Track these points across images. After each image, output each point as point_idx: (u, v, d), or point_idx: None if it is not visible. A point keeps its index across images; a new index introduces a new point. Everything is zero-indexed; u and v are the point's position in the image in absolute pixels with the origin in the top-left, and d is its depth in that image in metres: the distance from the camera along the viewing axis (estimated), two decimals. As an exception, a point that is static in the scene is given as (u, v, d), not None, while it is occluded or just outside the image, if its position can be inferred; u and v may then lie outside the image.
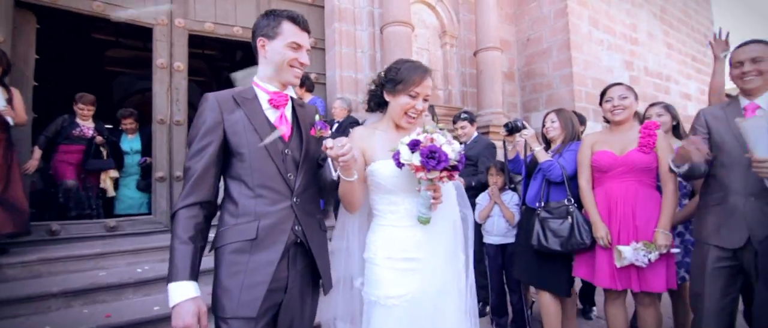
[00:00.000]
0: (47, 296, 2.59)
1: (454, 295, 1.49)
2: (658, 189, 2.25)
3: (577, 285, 2.90)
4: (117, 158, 4.25)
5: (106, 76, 8.69)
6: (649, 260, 2.06)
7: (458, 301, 1.50)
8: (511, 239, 2.89)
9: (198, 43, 6.99)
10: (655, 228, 2.13)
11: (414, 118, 1.49)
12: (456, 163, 1.32)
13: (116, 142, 4.39)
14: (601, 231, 2.23)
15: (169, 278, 1.12)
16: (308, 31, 1.36)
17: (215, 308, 1.20)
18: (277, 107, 1.31)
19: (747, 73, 1.81)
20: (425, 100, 1.49)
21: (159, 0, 4.10)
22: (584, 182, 2.38)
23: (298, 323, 1.32)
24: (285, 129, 1.32)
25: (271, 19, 1.31)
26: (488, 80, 5.45)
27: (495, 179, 2.95)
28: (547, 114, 2.72)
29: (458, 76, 5.77)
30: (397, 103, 1.48)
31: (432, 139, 1.29)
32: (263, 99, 1.31)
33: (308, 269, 1.34)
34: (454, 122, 3.73)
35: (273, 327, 1.27)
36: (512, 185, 3.06)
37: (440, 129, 1.33)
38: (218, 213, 1.30)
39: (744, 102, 1.88)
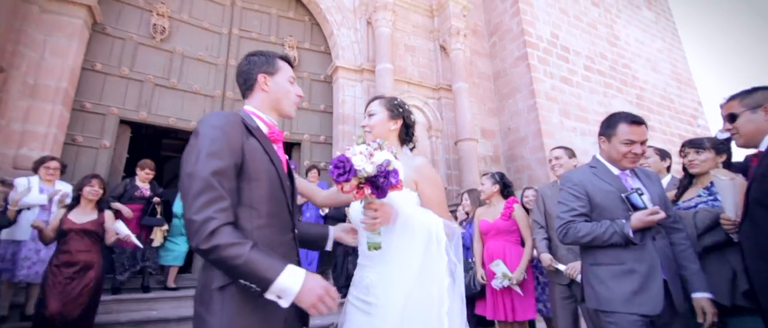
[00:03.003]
0: (116, 324, 3.70)
1: None
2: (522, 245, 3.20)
3: None
4: (167, 215, 4.85)
5: (161, 159, 10.74)
6: (501, 284, 2.92)
7: None
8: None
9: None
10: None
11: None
12: (373, 175, 1.22)
13: (169, 201, 4.93)
14: (479, 273, 3.16)
15: (269, 277, 1.02)
16: (293, 67, 1.47)
17: None
18: (275, 142, 1.33)
19: (554, 166, 2.89)
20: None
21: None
22: (475, 242, 3.39)
23: None
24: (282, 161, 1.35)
25: (268, 58, 1.39)
26: (467, 164, 6.58)
27: None
28: (462, 193, 3.79)
29: (444, 162, 6.96)
30: None
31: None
32: (264, 130, 1.32)
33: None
34: None
35: None
36: None
37: (378, 144, 1.27)
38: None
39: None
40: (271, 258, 1.05)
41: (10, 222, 3.02)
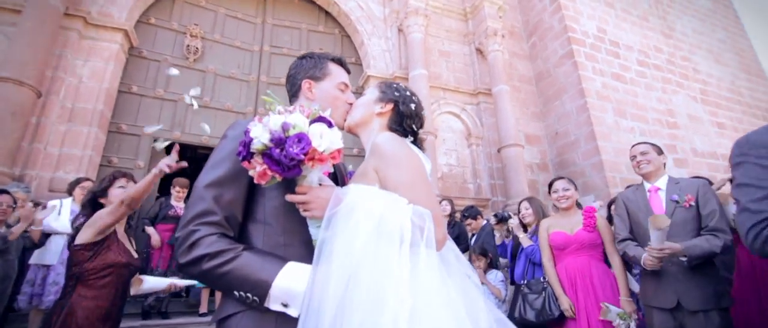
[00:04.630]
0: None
1: None
2: (607, 263, 2.62)
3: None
4: None
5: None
6: (629, 326, 2.35)
7: None
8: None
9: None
10: (619, 297, 2.45)
11: None
12: (267, 148, 0.88)
13: None
14: (565, 303, 2.58)
15: (264, 278, 0.85)
16: (349, 72, 1.28)
17: None
18: None
19: (640, 163, 2.33)
20: None
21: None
22: (545, 260, 2.80)
23: None
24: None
25: (317, 60, 1.23)
26: (513, 172, 6.02)
27: (477, 263, 3.41)
28: (521, 202, 3.26)
29: (486, 171, 6.43)
30: None
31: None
32: None
33: None
34: (463, 219, 4.29)
35: None
36: (496, 265, 3.48)
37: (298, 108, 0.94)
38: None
39: (647, 185, 2.35)
40: (265, 257, 0.89)
41: (35, 244, 2.87)
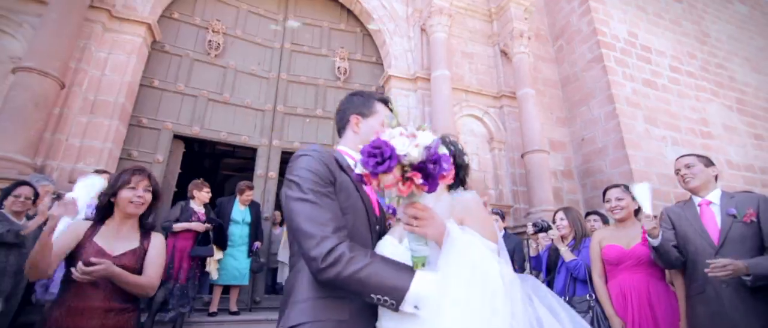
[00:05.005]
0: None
1: None
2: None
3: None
4: (222, 241, 4.29)
5: (222, 177, 10.95)
6: None
7: None
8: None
9: (287, 158, 8.68)
10: (678, 322, 2.23)
11: None
12: (421, 160, 0.95)
13: (222, 225, 4.37)
14: (617, 325, 2.36)
15: (401, 288, 0.97)
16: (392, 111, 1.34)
17: None
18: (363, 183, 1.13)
19: (684, 176, 2.13)
20: None
21: (264, 131, 5.57)
22: (597, 276, 2.58)
23: None
24: None
25: (366, 99, 1.36)
26: (537, 179, 5.78)
27: None
28: (556, 212, 3.05)
29: (508, 177, 6.20)
30: None
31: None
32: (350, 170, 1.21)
33: None
34: None
35: None
36: None
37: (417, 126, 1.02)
38: (287, 278, 1.19)
39: (697, 200, 2.13)
40: (396, 265, 1.04)
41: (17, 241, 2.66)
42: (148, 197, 1.85)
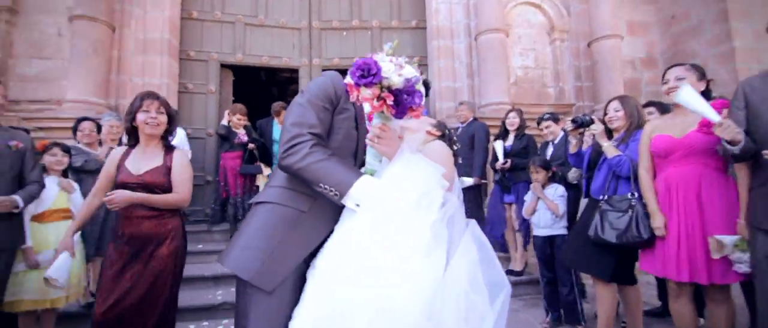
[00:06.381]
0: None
1: None
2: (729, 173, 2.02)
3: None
4: (267, 158, 4.48)
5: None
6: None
7: None
8: (558, 231, 2.93)
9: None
10: (736, 220, 1.94)
11: None
12: (398, 87, 1.13)
13: (265, 145, 4.54)
14: (657, 221, 2.13)
15: (344, 185, 1.10)
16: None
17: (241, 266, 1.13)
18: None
19: None
20: None
21: (303, 50, 5.51)
22: (643, 170, 2.27)
23: None
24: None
25: None
26: (605, 71, 5.04)
27: (536, 175, 3.01)
28: (610, 102, 2.64)
29: (571, 71, 5.49)
30: None
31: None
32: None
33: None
34: (538, 124, 3.74)
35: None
36: (556, 179, 3.06)
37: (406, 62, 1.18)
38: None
39: None
40: (348, 167, 1.17)
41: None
42: (163, 118, 1.98)
